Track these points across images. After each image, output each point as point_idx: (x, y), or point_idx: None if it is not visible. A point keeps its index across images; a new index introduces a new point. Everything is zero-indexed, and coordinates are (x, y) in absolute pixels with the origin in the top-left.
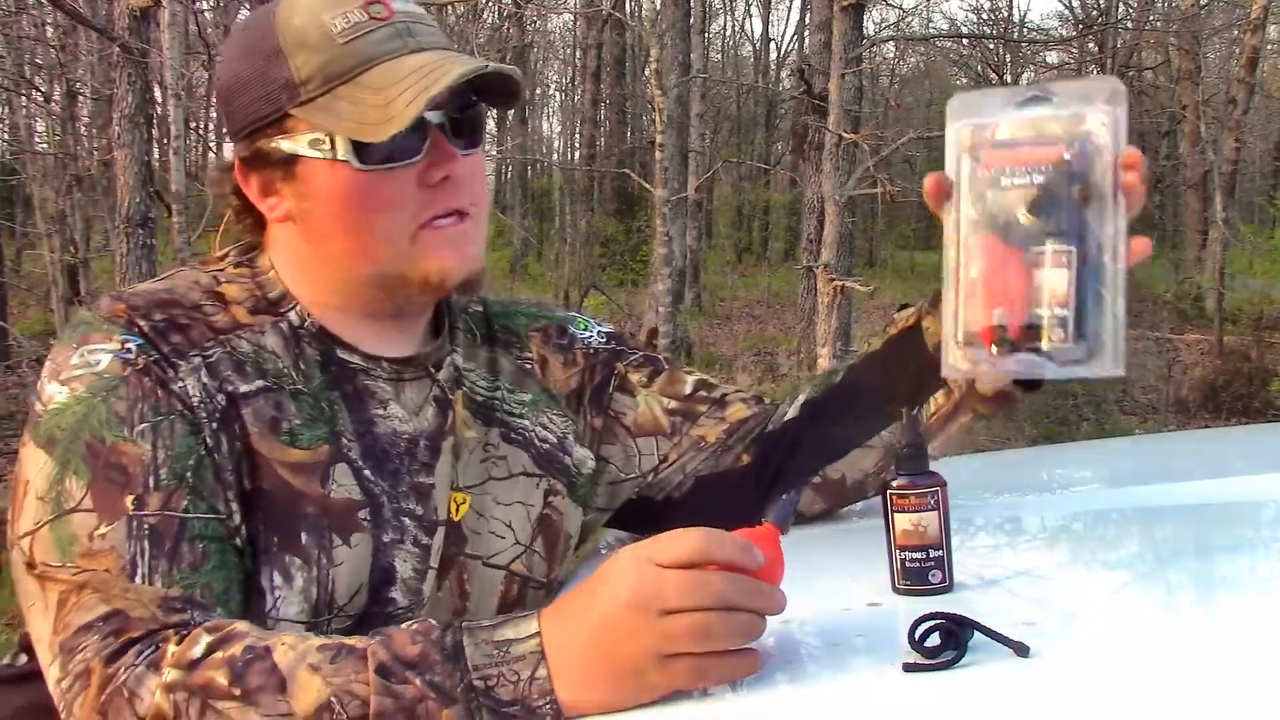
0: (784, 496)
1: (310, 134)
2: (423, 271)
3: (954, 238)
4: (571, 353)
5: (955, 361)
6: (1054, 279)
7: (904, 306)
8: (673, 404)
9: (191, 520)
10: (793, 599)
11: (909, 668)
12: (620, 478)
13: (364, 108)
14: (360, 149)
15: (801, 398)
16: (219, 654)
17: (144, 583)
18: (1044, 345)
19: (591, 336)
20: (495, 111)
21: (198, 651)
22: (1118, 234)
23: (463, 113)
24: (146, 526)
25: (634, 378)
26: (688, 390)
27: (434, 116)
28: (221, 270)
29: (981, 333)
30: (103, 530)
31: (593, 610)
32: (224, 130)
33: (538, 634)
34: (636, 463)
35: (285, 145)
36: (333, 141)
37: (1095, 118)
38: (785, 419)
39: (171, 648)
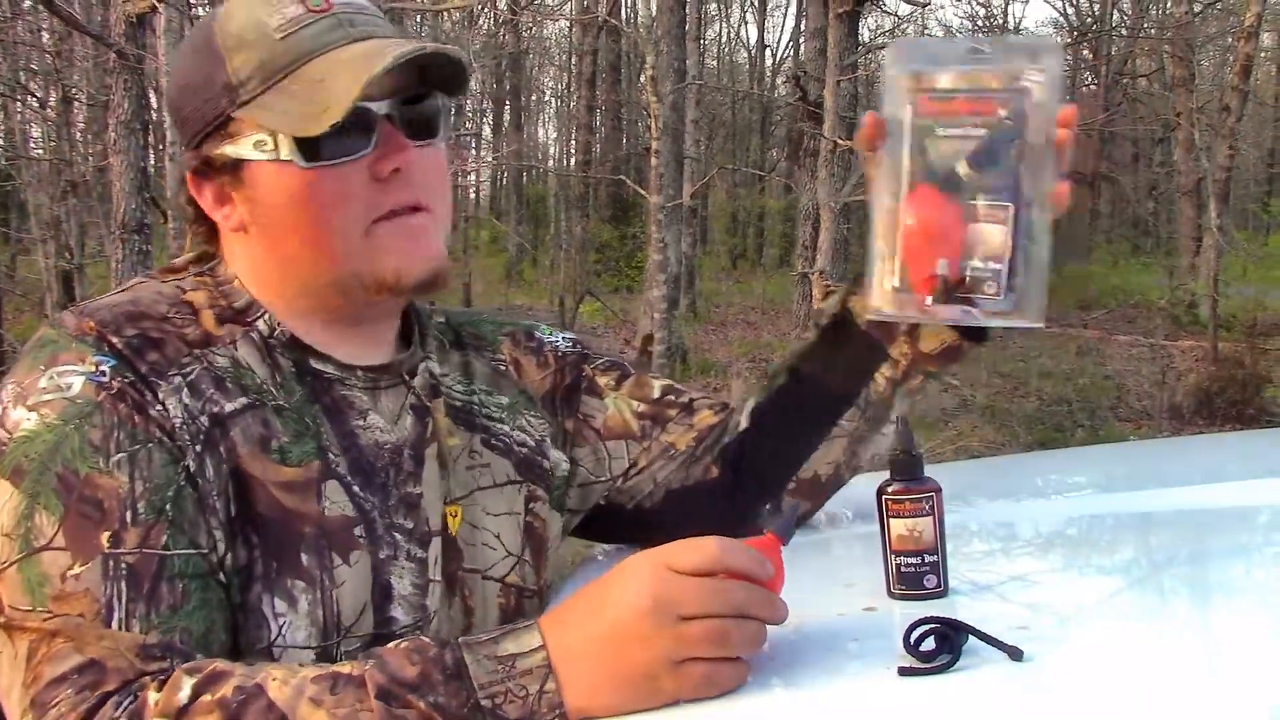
0: (786, 508)
1: (254, 135)
2: (378, 270)
3: (884, 184)
4: (542, 355)
5: (881, 305)
6: (990, 233)
7: (828, 293)
8: (641, 407)
9: (171, 557)
10: (789, 604)
11: (904, 671)
12: (590, 480)
13: (300, 101)
14: (304, 146)
15: (750, 404)
16: (207, 697)
17: (120, 628)
18: (976, 297)
19: (558, 341)
20: (491, 118)
21: (183, 697)
22: (1048, 189)
23: (417, 105)
24: (124, 566)
25: (602, 380)
26: (656, 394)
27: (381, 107)
28: (183, 279)
29: (920, 282)
30: (77, 570)
31: (603, 615)
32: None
33: (542, 647)
34: (607, 465)
35: (230, 150)
36: (276, 141)
37: (1032, 74)
38: (740, 430)
39: (153, 695)
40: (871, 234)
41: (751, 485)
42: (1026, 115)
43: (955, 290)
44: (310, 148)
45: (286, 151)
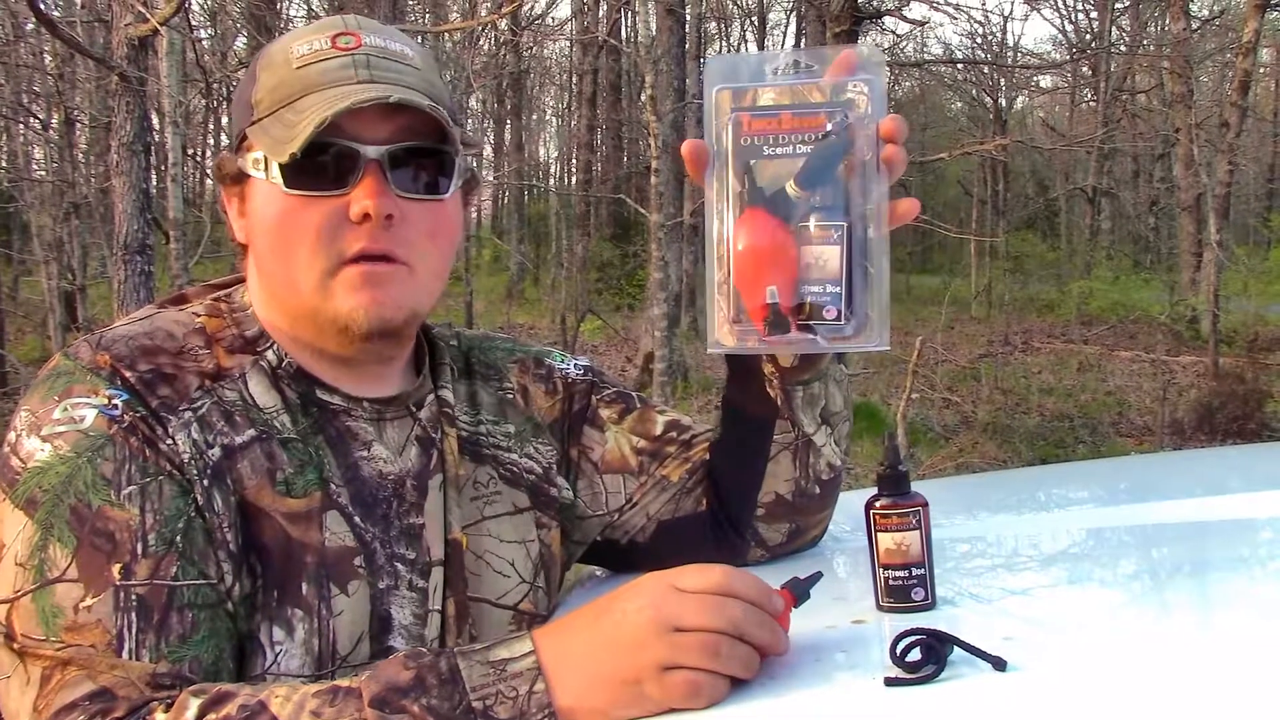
0: (811, 573)
1: (255, 153)
2: (332, 311)
3: (718, 208)
4: (552, 381)
5: (721, 338)
6: (823, 255)
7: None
8: (642, 443)
9: (181, 588)
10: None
11: (890, 682)
12: (587, 514)
13: (283, 126)
14: (286, 172)
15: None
16: (212, 715)
17: (131, 657)
18: (816, 323)
19: (569, 368)
20: (492, 137)
21: (189, 716)
22: (880, 205)
23: (419, 158)
24: (134, 597)
25: (605, 413)
26: (658, 430)
27: (372, 151)
28: (201, 304)
29: (754, 311)
30: (89, 602)
31: (602, 622)
32: None
33: (533, 651)
34: (603, 500)
35: (240, 162)
36: (266, 162)
37: (855, 87)
38: (709, 465)
39: (160, 716)
40: (707, 262)
41: (725, 518)
42: (852, 129)
43: (794, 316)
44: (292, 174)
45: (274, 172)
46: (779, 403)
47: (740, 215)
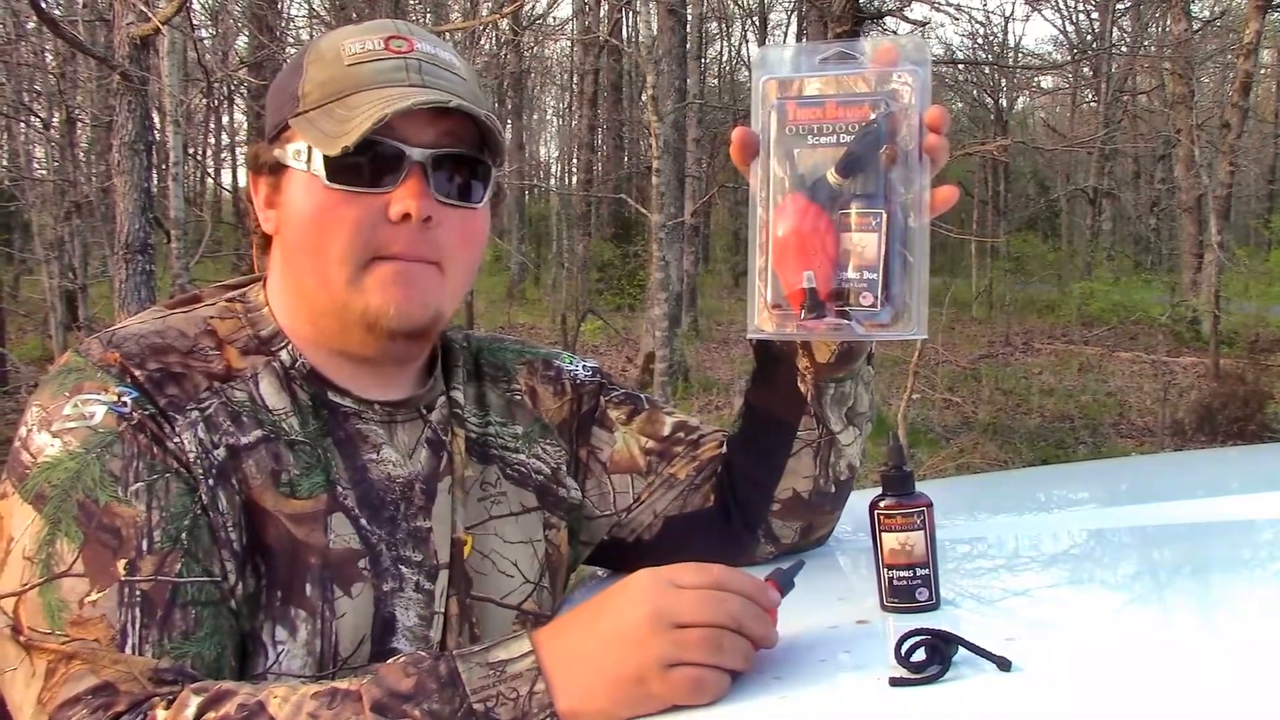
0: (792, 562)
1: (296, 144)
2: (361, 306)
3: (761, 195)
4: (560, 383)
5: (761, 324)
6: (861, 242)
7: None
8: (650, 443)
9: (185, 585)
10: (784, 617)
11: (894, 682)
12: (595, 514)
13: (333, 122)
14: (331, 166)
15: (729, 434)
16: (211, 714)
17: (134, 653)
18: (852, 308)
19: (577, 370)
20: None
21: (189, 714)
22: (921, 194)
23: (461, 166)
24: (139, 593)
25: (613, 414)
26: (666, 431)
27: (417, 154)
28: (213, 305)
29: (791, 295)
30: (94, 597)
31: (601, 621)
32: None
33: (532, 652)
34: (611, 500)
35: (277, 153)
36: (310, 154)
37: (900, 77)
38: (725, 459)
39: (161, 713)
40: (750, 249)
41: (738, 513)
42: (896, 118)
43: (831, 302)
44: (336, 169)
45: (316, 165)
46: (808, 399)
47: (781, 201)
